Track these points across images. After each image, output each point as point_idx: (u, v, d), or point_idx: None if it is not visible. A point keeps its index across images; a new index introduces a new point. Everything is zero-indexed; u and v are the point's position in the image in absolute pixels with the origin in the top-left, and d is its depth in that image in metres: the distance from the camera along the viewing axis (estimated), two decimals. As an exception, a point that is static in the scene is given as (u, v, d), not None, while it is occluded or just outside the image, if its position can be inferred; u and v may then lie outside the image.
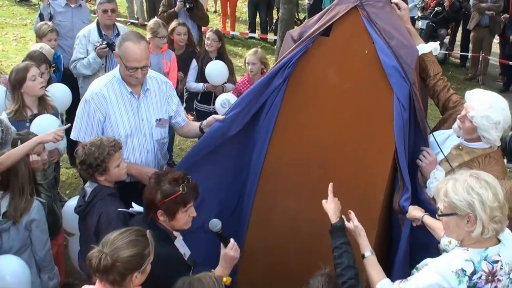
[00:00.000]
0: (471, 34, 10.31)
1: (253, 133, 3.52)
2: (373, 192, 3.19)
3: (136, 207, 3.07)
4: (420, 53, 3.38)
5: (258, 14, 11.56)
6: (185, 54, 6.22)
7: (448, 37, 11.35)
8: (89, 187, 3.21)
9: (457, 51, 11.46)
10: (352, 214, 2.78)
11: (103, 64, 5.34)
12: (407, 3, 3.62)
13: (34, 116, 4.23)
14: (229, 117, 3.45)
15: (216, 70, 5.87)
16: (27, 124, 4.18)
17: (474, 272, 2.22)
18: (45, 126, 3.87)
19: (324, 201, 2.89)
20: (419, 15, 11.15)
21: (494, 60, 10.53)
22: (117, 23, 5.67)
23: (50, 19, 6.07)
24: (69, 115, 5.14)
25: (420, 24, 10.75)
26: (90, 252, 2.36)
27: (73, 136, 3.58)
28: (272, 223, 3.43)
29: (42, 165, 3.72)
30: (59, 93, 4.76)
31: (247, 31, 11.74)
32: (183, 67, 6.07)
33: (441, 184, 2.34)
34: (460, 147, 3.19)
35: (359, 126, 3.27)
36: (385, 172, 3.18)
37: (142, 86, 3.57)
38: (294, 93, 3.42)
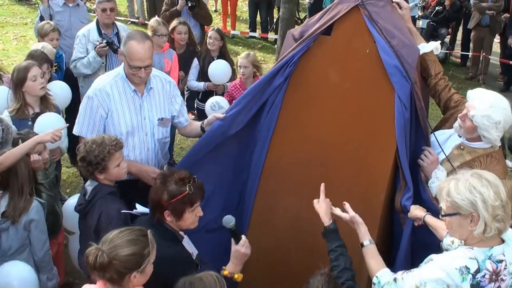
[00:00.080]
0: (472, 34, 10.30)
1: (254, 132, 3.51)
2: (375, 191, 3.18)
3: (140, 208, 3.06)
4: (421, 52, 3.38)
5: (258, 13, 11.55)
6: (185, 53, 6.21)
7: (448, 36, 11.34)
8: (89, 186, 3.21)
9: (457, 51, 11.45)
10: (347, 205, 2.77)
11: (103, 63, 5.34)
12: (407, 2, 3.62)
13: (36, 114, 4.23)
14: (230, 115, 3.45)
15: (219, 69, 5.87)
16: (29, 123, 4.19)
17: (478, 271, 2.22)
18: (49, 125, 3.84)
19: (315, 201, 2.88)
20: (420, 14, 11.14)
21: (494, 59, 10.52)
22: (116, 22, 5.67)
23: (50, 19, 6.06)
24: (69, 114, 5.14)
25: (421, 23, 10.75)
26: (88, 249, 2.35)
27: (75, 131, 3.60)
28: (273, 223, 3.43)
29: (43, 164, 3.71)
30: (59, 90, 4.75)
31: (248, 30, 11.73)
32: (183, 66, 6.06)
33: (444, 184, 2.33)
34: (462, 147, 3.19)
35: (360, 125, 3.27)
36: (387, 171, 3.18)
37: (145, 85, 3.57)
38: (295, 92, 3.42)
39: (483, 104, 3.00)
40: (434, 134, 3.29)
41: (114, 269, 2.29)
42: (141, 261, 2.33)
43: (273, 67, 3.53)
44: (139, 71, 3.41)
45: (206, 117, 3.72)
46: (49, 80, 4.77)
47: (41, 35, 5.52)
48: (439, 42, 3.66)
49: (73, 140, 4.24)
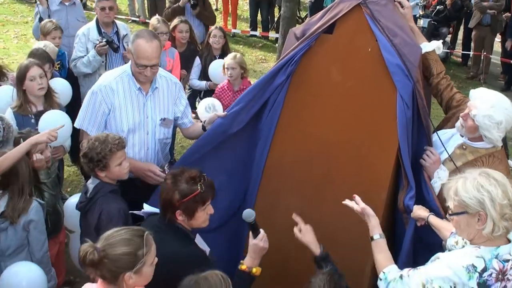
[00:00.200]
0: (473, 33, 10.30)
1: (255, 131, 3.51)
2: (376, 190, 3.17)
3: (147, 208, 3.04)
4: (423, 51, 3.37)
5: (259, 12, 11.55)
6: (186, 51, 6.20)
7: (449, 35, 11.34)
8: (91, 184, 3.21)
9: (458, 50, 11.45)
10: (357, 198, 2.77)
11: (103, 62, 5.33)
12: (408, 1, 3.62)
13: (39, 112, 4.20)
14: (231, 113, 3.45)
15: (219, 69, 5.86)
16: (32, 121, 4.18)
17: (484, 269, 2.22)
18: (54, 122, 3.81)
19: (296, 230, 2.89)
20: (421, 13, 11.16)
21: (495, 58, 10.51)
22: (116, 21, 5.65)
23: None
24: (70, 113, 5.12)
25: (422, 22, 10.75)
26: (82, 245, 2.34)
27: (76, 124, 3.62)
28: (274, 221, 3.42)
29: (46, 163, 3.70)
30: (60, 87, 4.73)
31: (249, 29, 11.73)
32: (184, 64, 6.06)
33: (451, 183, 2.33)
34: (464, 147, 3.18)
35: (362, 124, 3.26)
36: (388, 170, 3.17)
37: (151, 84, 3.58)
38: (297, 91, 3.41)
39: (484, 103, 2.99)
40: (437, 133, 3.29)
41: (106, 268, 2.27)
42: (135, 261, 2.29)
43: (274, 65, 3.53)
44: (145, 70, 3.41)
45: (202, 118, 3.72)
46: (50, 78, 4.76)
47: (43, 34, 5.50)
48: (440, 41, 3.66)
49: (75, 139, 4.24)
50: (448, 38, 11.26)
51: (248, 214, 2.82)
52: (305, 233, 2.86)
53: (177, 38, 6.14)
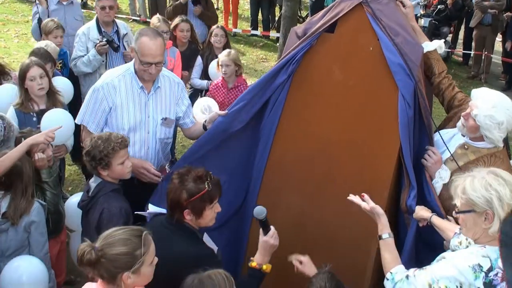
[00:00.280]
0: (474, 32, 10.28)
1: (257, 130, 3.50)
2: (378, 189, 3.16)
3: (152, 209, 3.03)
4: (425, 51, 3.36)
5: (260, 11, 11.54)
6: (187, 51, 6.20)
7: (450, 35, 11.32)
8: (93, 182, 3.21)
9: (459, 49, 11.44)
10: (367, 197, 2.76)
11: (103, 61, 5.33)
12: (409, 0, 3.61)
13: (41, 111, 4.20)
14: (232, 112, 3.44)
15: (219, 68, 5.85)
16: (34, 119, 4.18)
17: (490, 269, 2.21)
18: (56, 121, 3.81)
19: (297, 263, 2.88)
20: (422, 13, 11.14)
21: (496, 58, 10.49)
22: (117, 20, 5.65)
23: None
24: (72, 112, 5.11)
25: (423, 22, 10.73)
26: (80, 244, 2.33)
27: (77, 120, 3.65)
28: (276, 220, 3.39)
29: (47, 162, 3.69)
30: (61, 85, 4.73)
31: (250, 29, 11.73)
32: (185, 64, 6.05)
33: (459, 181, 2.32)
34: (466, 146, 3.18)
35: (363, 123, 3.26)
36: (390, 169, 3.17)
37: (153, 83, 3.58)
38: (298, 90, 3.41)
39: (486, 103, 2.98)
40: (439, 133, 3.28)
41: (104, 267, 2.26)
42: (132, 261, 2.27)
43: (275, 64, 3.52)
44: (149, 67, 3.42)
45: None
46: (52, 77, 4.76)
47: (45, 33, 5.49)
48: (442, 40, 3.65)
49: (76, 138, 4.24)
50: (449, 38, 11.24)
51: (260, 211, 2.82)
52: (306, 265, 2.86)
53: (178, 37, 6.14)
